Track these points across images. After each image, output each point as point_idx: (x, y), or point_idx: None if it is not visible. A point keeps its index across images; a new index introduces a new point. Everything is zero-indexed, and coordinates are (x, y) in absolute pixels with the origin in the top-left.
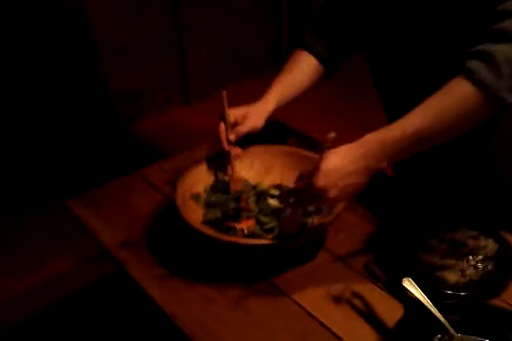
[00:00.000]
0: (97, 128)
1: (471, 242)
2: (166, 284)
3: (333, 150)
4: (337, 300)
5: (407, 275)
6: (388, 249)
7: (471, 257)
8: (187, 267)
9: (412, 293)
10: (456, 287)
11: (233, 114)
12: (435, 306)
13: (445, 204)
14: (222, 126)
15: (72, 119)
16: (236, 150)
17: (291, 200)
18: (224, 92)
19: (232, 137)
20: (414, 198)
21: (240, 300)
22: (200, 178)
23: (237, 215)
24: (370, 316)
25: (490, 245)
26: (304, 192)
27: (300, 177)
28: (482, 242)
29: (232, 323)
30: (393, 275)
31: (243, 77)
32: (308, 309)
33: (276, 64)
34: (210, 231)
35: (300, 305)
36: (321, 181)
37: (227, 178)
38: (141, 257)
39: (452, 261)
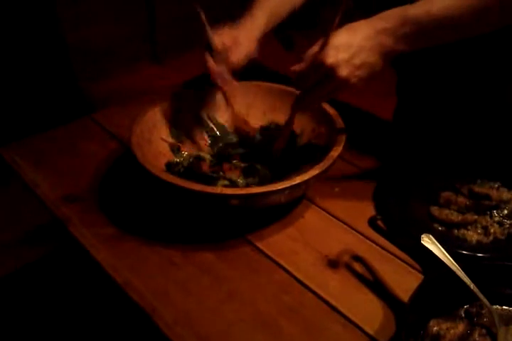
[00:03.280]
0: (52, 86)
1: (494, 194)
2: (118, 246)
3: (345, 26)
4: (334, 265)
5: (420, 233)
6: (392, 205)
7: (495, 212)
8: (145, 226)
9: (433, 253)
10: (478, 247)
11: (221, 40)
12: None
13: (457, 153)
14: (209, 57)
15: (24, 76)
16: (232, 86)
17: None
18: (202, 13)
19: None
20: (420, 146)
21: (211, 266)
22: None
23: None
24: (376, 285)
25: None
26: (311, 76)
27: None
28: (505, 195)
29: (201, 294)
30: (400, 235)
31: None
32: (299, 277)
33: None
34: (172, 178)
35: (288, 272)
36: (331, 57)
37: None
38: (88, 214)
39: (473, 217)
